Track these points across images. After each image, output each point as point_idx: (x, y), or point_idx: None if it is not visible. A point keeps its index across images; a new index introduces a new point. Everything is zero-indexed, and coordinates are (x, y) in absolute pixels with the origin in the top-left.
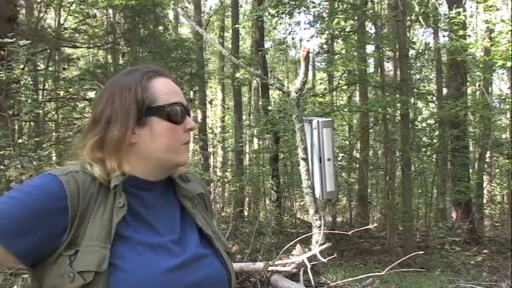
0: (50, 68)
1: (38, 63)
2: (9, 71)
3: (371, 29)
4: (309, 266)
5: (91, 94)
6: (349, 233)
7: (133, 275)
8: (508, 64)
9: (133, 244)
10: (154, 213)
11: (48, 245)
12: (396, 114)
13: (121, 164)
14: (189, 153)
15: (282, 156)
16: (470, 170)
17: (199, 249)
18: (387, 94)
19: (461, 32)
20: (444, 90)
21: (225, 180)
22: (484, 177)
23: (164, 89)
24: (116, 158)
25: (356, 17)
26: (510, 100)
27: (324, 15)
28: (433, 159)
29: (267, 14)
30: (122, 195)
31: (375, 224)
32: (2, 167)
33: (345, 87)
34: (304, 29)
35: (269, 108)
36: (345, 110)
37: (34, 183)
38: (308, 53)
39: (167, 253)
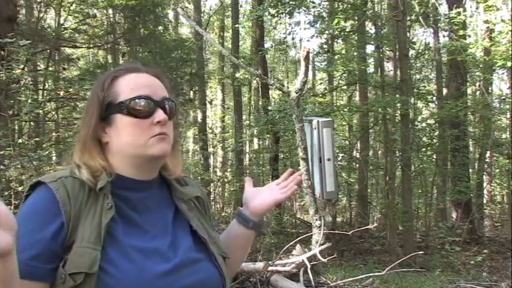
0: (50, 68)
1: (38, 63)
2: (9, 71)
3: (371, 29)
4: (309, 266)
5: None
6: (349, 233)
7: (122, 282)
8: (508, 64)
9: (123, 248)
10: (145, 216)
11: (59, 254)
12: (396, 114)
13: (103, 163)
14: (168, 145)
15: (282, 156)
16: (470, 170)
17: (192, 253)
18: (387, 94)
19: (461, 32)
20: (444, 90)
21: (225, 180)
22: (484, 177)
23: (131, 85)
24: (99, 156)
25: (356, 17)
26: (510, 100)
27: (324, 15)
28: (433, 159)
29: (267, 14)
30: (109, 196)
31: (375, 224)
32: (2, 167)
33: (345, 87)
34: (304, 29)
35: (269, 108)
36: (345, 110)
37: (27, 208)
38: (308, 53)
39: (158, 257)
